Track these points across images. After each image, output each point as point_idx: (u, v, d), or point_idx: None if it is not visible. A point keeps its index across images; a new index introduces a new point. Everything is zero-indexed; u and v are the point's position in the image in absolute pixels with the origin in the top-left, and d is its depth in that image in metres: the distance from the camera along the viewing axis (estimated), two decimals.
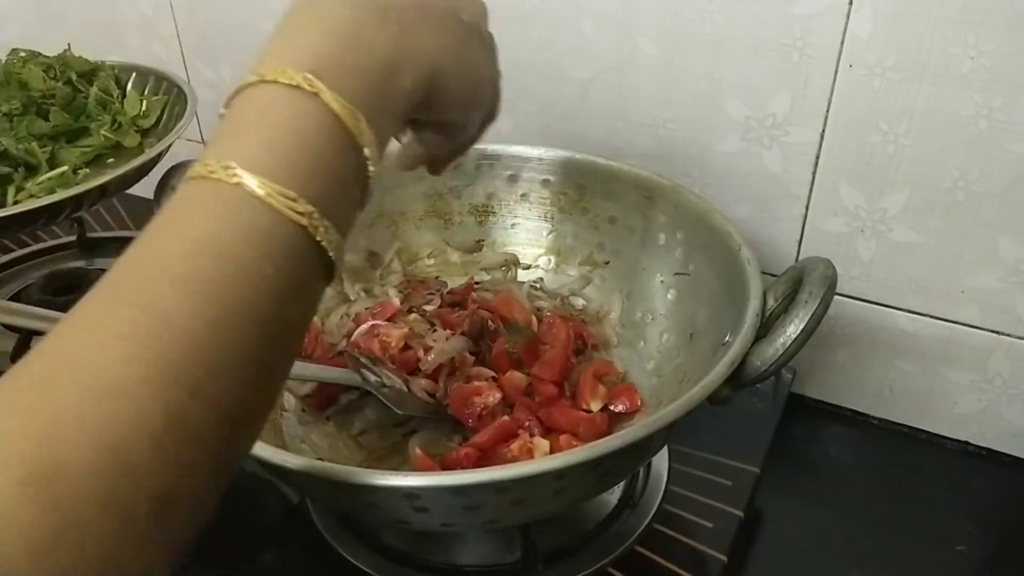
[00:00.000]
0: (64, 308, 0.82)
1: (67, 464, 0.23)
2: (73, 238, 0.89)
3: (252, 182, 0.28)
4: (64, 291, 0.80)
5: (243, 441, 0.29)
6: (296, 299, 0.29)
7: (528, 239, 0.71)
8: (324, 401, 0.62)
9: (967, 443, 0.69)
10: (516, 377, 0.59)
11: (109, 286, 0.28)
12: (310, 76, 0.30)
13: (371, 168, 0.32)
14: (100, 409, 0.24)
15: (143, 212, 0.68)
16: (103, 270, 0.93)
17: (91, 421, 0.24)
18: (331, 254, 0.30)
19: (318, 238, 0.29)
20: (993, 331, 0.63)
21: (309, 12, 0.33)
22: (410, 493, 0.41)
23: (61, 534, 0.23)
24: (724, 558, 0.55)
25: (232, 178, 0.28)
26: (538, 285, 0.70)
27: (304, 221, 0.29)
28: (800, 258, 0.67)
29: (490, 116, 0.43)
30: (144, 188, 0.75)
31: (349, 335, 0.64)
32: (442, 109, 0.37)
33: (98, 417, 0.24)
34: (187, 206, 0.29)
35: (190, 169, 0.30)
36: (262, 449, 0.43)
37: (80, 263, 0.87)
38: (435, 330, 0.63)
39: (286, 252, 0.29)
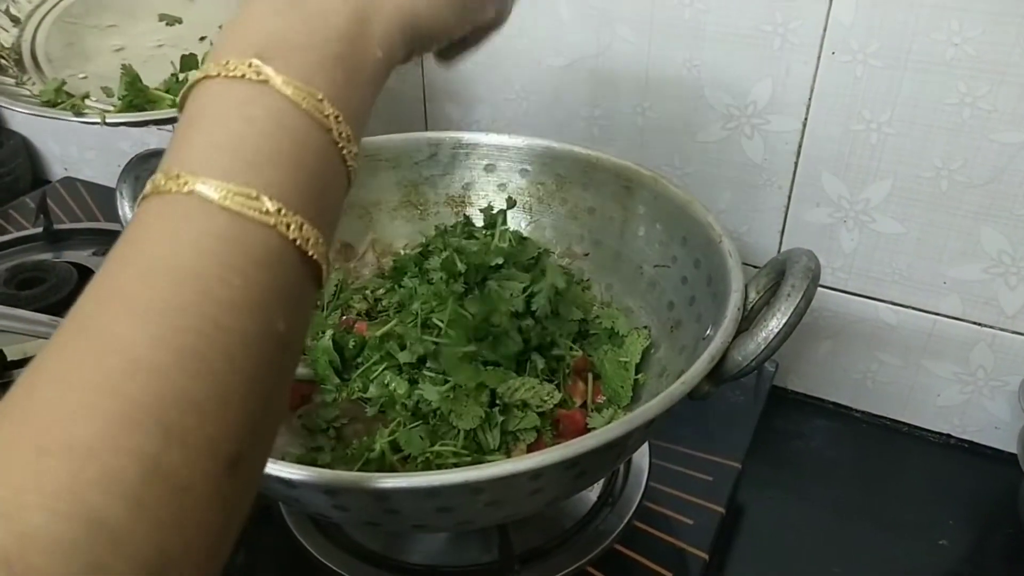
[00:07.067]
0: (30, 301, 0.79)
1: (31, 539, 0.20)
2: (39, 230, 0.87)
3: (204, 188, 0.25)
4: (30, 284, 0.78)
5: (245, 482, 0.25)
6: (279, 309, 0.25)
7: None
8: (297, 400, 0.60)
9: (949, 436, 0.69)
10: None
11: (74, 325, 0.24)
12: (256, 62, 0.27)
13: (345, 149, 0.29)
14: (61, 472, 0.21)
15: (112, 203, 0.65)
16: (69, 262, 0.89)
17: (52, 486, 0.20)
18: (310, 252, 0.26)
19: (291, 236, 0.26)
20: (976, 323, 0.63)
21: None
22: (380, 495, 0.40)
23: None
24: (705, 556, 0.54)
25: (183, 187, 0.25)
26: None
27: (270, 220, 0.25)
28: (782, 249, 0.66)
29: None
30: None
31: None
32: (439, 38, 0.35)
33: (59, 481, 0.21)
34: (142, 226, 0.26)
35: (146, 186, 0.27)
36: None
37: (46, 255, 0.85)
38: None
39: (255, 258, 0.25)
